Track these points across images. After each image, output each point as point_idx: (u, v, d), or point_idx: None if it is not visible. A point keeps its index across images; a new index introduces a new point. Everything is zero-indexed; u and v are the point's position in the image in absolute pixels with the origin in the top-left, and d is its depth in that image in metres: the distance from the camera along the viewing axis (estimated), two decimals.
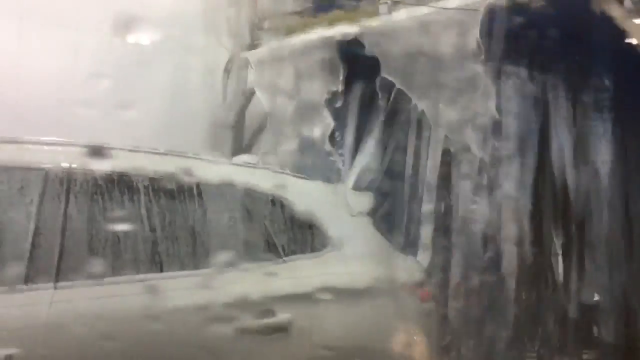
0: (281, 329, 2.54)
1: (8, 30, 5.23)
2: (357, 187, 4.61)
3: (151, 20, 6.01)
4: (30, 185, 2.27)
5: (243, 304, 2.49)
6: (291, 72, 5.29)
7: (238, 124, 6.14)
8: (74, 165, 2.38)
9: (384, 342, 2.77)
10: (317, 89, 5.11)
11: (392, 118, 4.94)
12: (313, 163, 5.25)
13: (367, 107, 5.09)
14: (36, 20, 5.40)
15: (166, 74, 6.20)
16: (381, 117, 4.96)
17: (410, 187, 4.79)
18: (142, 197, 2.46)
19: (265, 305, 2.53)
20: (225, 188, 2.69)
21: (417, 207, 4.69)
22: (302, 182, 3.08)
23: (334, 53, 4.87)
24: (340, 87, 4.95)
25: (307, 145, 5.26)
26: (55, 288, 2.19)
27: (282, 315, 2.55)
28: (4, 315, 2.09)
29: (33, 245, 2.19)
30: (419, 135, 4.77)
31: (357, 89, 5.10)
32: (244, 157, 3.19)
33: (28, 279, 2.16)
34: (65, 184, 2.32)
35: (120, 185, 2.43)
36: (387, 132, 4.98)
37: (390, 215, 4.69)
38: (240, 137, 6.15)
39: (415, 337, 2.86)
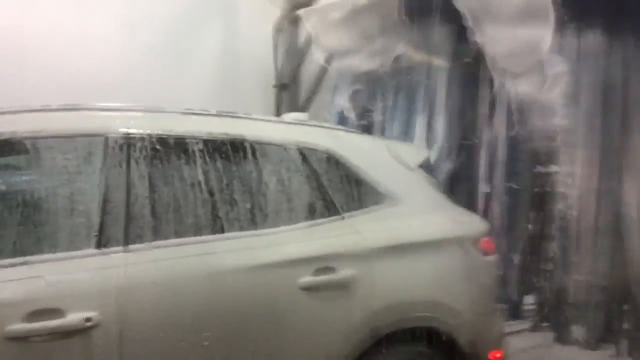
0: (342, 286, 2.56)
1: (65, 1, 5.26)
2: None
3: None
4: (93, 153, 2.30)
5: (304, 262, 2.51)
6: (350, 29, 5.11)
7: (293, 84, 6.08)
8: (132, 131, 2.40)
9: (447, 296, 2.77)
10: (379, 48, 4.96)
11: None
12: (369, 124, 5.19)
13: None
14: None
15: (218, 35, 6.21)
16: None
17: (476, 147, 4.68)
18: (198, 159, 2.48)
19: (325, 263, 2.55)
20: (279, 147, 2.68)
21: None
22: (356, 137, 3.05)
23: (396, 8, 4.68)
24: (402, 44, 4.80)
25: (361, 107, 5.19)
26: (125, 252, 2.24)
27: (343, 272, 2.57)
28: (80, 280, 2.16)
29: (101, 211, 2.24)
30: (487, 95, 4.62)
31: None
32: (294, 115, 3.13)
33: (99, 244, 2.21)
34: (125, 149, 2.35)
35: (177, 148, 2.45)
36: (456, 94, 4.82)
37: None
38: (296, 96, 6.10)
39: (477, 291, 2.84)
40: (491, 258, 3.00)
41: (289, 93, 6.07)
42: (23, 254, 2.12)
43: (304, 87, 6.13)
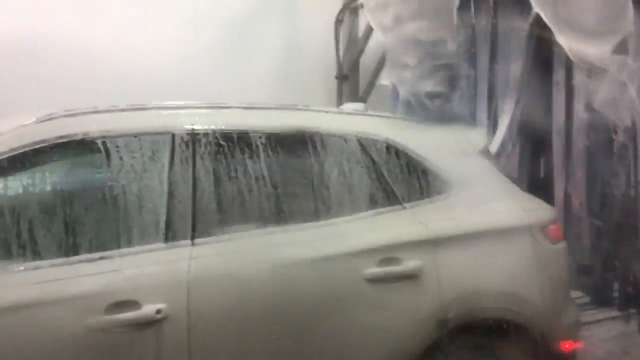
0: (409, 277, 2.54)
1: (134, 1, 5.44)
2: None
3: None
4: (160, 150, 2.36)
5: (368, 253, 2.50)
6: (413, 17, 5.06)
7: (353, 74, 6.08)
8: (197, 127, 2.45)
9: (516, 286, 2.70)
10: (443, 33, 4.88)
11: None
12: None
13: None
14: None
15: (279, 29, 6.29)
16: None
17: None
18: (261, 152, 2.50)
19: (391, 253, 2.53)
20: (339, 138, 2.67)
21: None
22: (416, 125, 3.01)
23: None
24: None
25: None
26: (193, 245, 2.30)
27: (409, 263, 2.54)
28: (149, 273, 2.23)
29: (168, 207, 2.30)
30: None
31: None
32: (353, 106, 3.11)
33: (167, 238, 2.28)
34: (191, 145, 2.40)
35: (240, 143, 2.49)
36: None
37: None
38: (356, 87, 6.11)
39: (548, 280, 2.75)
40: (560, 245, 2.90)
41: (350, 83, 6.09)
42: (100, 248, 2.21)
43: (363, 77, 6.11)
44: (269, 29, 6.28)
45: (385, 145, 2.73)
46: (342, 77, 6.14)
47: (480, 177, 2.85)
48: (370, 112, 2.98)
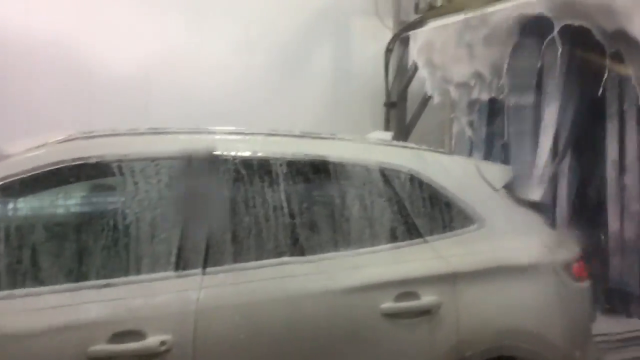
0: (426, 312, 2.47)
1: (177, 24, 5.60)
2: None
3: (313, 4, 6.27)
4: (177, 175, 2.33)
5: (385, 287, 2.44)
6: (460, 52, 5.01)
7: (401, 102, 6.10)
8: (216, 153, 2.42)
9: (536, 325, 2.60)
10: (488, 70, 4.81)
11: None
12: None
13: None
14: (203, 13, 5.68)
15: (330, 56, 6.38)
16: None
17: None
18: (281, 181, 2.47)
19: (408, 288, 2.47)
20: (361, 168, 2.62)
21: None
22: (441, 157, 2.94)
23: (511, 30, 4.52)
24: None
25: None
26: (204, 274, 2.24)
27: (427, 298, 2.48)
28: (157, 303, 2.17)
29: (182, 234, 2.25)
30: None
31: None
32: (379, 135, 3.07)
33: (178, 266, 2.23)
34: (209, 171, 2.38)
35: (260, 170, 2.45)
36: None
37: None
38: (403, 115, 6.12)
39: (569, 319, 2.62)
40: (584, 284, 2.79)
41: (397, 111, 6.14)
42: (108, 275, 2.16)
43: (410, 106, 6.15)
44: (320, 55, 6.38)
45: (409, 176, 2.67)
46: (390, 105, 6.15)
47: (504, 211, 2.76)
48: (394, 143, 2.93)
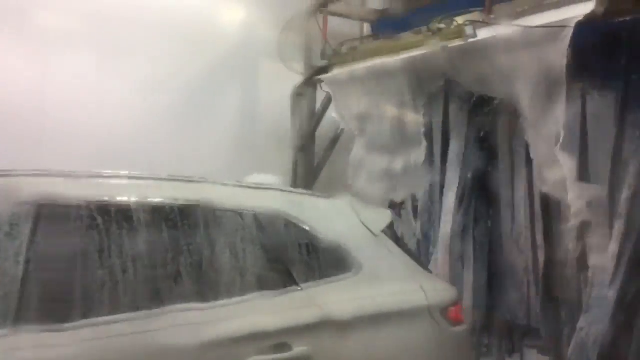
0: None
1: (81, 58, 5.35)
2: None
3: (222, 47, 6.21)
4: (21, 223, 2.14)
5: (257, 338, 2.31)
6: (367, 96, 5.08)
7: (309, 145, 6.07)
8: (66, 197, 2.24)
9: None
10: (394, 113, 4.87)
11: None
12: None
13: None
14: (109, 50, 5.48)
15: (237, 99, 6.30)
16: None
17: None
18: (143, 228, 2.31)
19: (281, 339, 2.34)
20: (234, 213, 2.50)
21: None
22: (318, 201, 2.86)
23: (414, 75, 4.59)
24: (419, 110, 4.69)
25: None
26: (50, 331, 2.05)
27: (300, 349, 2.36)
28: None
29: (22, 286, 2.06)
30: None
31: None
32: (261, 177, 2.96)
33: (17, 322, 2.03)
34: (58, 219, 2.20)
35: (118, 217, 2.29)
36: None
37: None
38: (311, 157, 6.09)
39: None
40: (461, 328, 2.74)
41: (306, 154, 6.05)
42: None
43: (318, 148, 6.15)
44: (227, 97, 6.32)
45: (283, 222, 2.57)
46: (298, 148, 6.11)
47: (381, 256, 2.70)
48: (271, 186, 2.82)
